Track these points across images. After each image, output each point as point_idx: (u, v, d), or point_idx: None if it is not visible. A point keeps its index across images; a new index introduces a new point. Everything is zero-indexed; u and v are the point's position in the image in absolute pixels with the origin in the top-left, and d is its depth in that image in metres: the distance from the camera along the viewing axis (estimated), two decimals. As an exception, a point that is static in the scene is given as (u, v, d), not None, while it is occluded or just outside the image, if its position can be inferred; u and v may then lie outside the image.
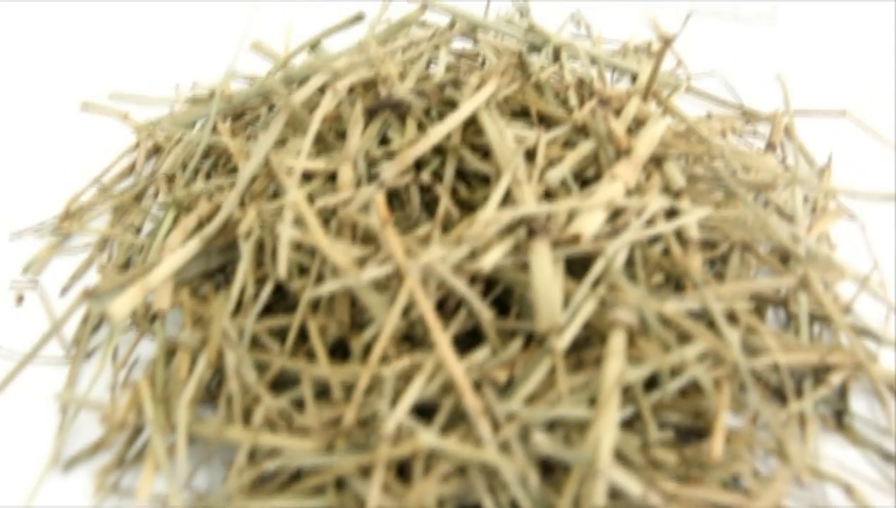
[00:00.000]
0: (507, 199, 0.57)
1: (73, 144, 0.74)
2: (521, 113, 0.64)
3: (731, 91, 0.69)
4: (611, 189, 0.56)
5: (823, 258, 0.60)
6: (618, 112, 0.62)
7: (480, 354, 0.53)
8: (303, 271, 0.57)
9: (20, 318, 0.64)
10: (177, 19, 0.90)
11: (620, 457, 0.52)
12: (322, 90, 0.63)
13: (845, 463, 0.56)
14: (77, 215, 0.69)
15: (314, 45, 0.70)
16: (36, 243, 0.69)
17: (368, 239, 0.57)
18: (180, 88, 0.80)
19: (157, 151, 0.74)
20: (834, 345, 0.59)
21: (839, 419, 0.58)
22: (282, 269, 0.53)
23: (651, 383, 0.55)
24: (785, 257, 0.61)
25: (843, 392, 0.59)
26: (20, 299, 0.66)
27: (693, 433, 0.55)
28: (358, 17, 0.68)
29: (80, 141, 0.75)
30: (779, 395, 0.57)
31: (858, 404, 0.59)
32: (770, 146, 0.67)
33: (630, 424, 0.54)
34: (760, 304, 0.60)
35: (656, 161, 0.60)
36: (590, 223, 0.54)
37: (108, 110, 0.78)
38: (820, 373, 0.58)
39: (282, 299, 0.60)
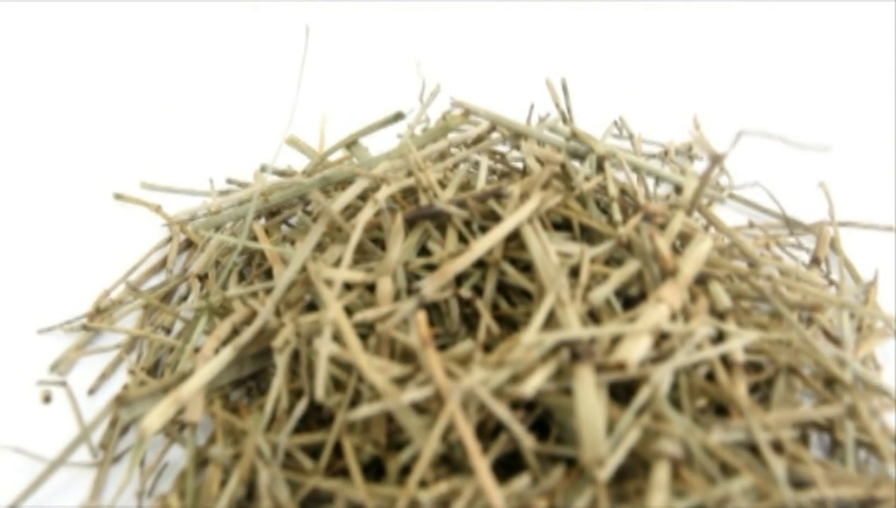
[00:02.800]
0: (550, 319, 0.55)
1: (104, 236, 0.73)
2: (563, 224, 0.63)
3: (772, 199, 0.67)
4: (656, 313, 0.55)
5: (871, 384, 0.59)
6: (662, 227, 0.61)
7: (521, 482, 0.52)
8: (338, 385, 0.56)
9: (47, 417, 0.63)
10: (212, 110, 0.90)
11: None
12: (362, 197, 0.62)
13: None
14: (106, 313, 0.68)
15: (352, 144, 0.69)
16: (64, 339, 0.68)
17: (407, 357, 0.56)
18: (214, 182, 0.79)
19: (189, 245, 0.73)
20: (881, 477, 0.57)
21: (884, 555, 0.57)
22: (319, 390, 0.52)
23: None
24: (831, 380, 0.59)
25: (889, 527, 0.57)
26: (48, 398, 0.65)
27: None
28: (398, 116, 0.68)
29: (112, 233, 0.74)
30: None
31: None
32: (815, 261, 0.66)
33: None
34: (805, 430, 0.59)
35: (701, 281, 0.59)
36: (635, 350, 0.53)
37: (140, 202, 0.78)
38: (867, 506, 0.56)
39: (315, 412, 0.59)
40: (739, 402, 0.54)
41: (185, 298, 0.69)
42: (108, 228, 0.76)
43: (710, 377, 0.57)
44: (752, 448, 0.55)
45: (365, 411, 0.52)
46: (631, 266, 0.58)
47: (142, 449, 0.59)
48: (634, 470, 0.53)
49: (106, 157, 0.87)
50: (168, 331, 0.66)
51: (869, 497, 0.55)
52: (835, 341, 0.61)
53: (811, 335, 0.58)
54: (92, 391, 0.64)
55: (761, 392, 0.60)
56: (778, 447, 0.55)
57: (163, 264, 0.72)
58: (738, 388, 0.55)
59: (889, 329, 0.65)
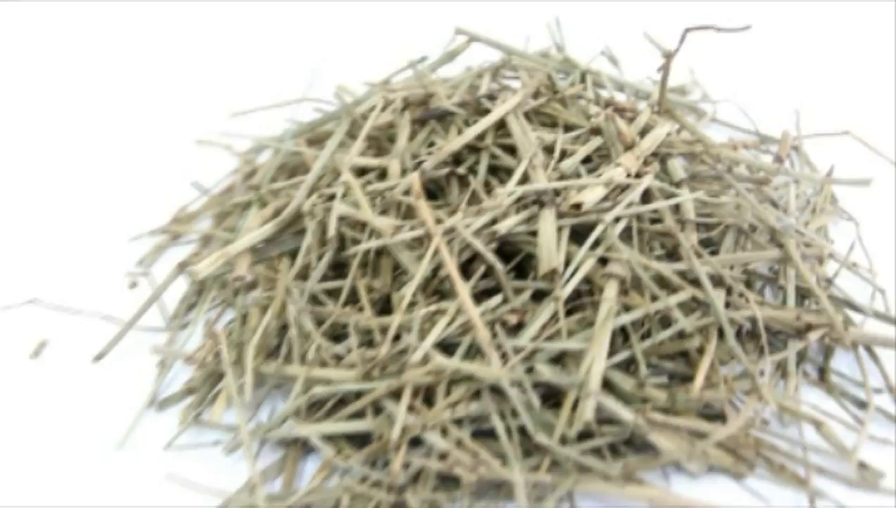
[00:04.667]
0: (525, 180, 0.67)
1: (186, 171, 0.88)
2: (549, 125, 0.75)
3: (745, 116, 0.78)
4: (613, 172, 0.66)
5: (808, 237, 0.68)
6: (631, 120, 0.72)
7: (494, 300, 0.63)
8: (354, 242, 0.69)
9: (134, 301, 0.77)
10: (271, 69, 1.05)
11: (616, 392, 0.61)
12: (383, 110, 0.76)
13: (820, 407, 0.63)
14: (184, 221, 0.83)
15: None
16: (150, 246, 0.83)
17: (409, 216, 0.68)
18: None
19: (253, 173, 0.88)
20: (812, 309, 0.67)
21: (822, 376, 0.66)
22: (332, 229, 0.65)
23: (646, 336, 0.63)
24: (779, 244, 0.69)
25: (827, 353, 0.66)
26: (133, 284, 0.79)
27: (684, 379, 0.64)
28: (422, 59, 0.81)
29: (192, 168, 0.89)
30: (762, 352, 0.65)
31: (843, 366, 0.67)
32: (777, 159, 0.75)
33: (627, 368, 0.63)
34: (751, 279, 0.69)
35: (661, 159, 0.70)
36: (591, 195, 0.64)
37: (217, 143, 0.93)
38: (802, 334, 0.65)
39: (340, 276, 0.71)
40: (684, 243, 0.65)
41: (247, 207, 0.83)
42: (190, 165, 0.91)
43: (665, 233, 0.67)
44: (696, 283, 0.65)
45: (369, 245, 0.65)
46: (596, 141, 0.69)
47: (205, 304, 0.73)
48: (591, 294, 0.64)
49: (189, 107, 1.04)
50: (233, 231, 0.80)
51: (800, 322, 0.65)
52: (780, 208, 0.71)
53: (757, 201, 0.68)
54: (172, 280, 0.78)
55: (710, 250, 0.69)
56: (720, 281, 0.65)
57: (230, 189, 0.87)
58: (688, 236, 0.66)
59: (838, 209, 0.75)
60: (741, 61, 1.00)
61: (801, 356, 0.66)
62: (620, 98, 0.78)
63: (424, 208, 0.65)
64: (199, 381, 0.69)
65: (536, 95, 0.74)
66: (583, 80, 0.77)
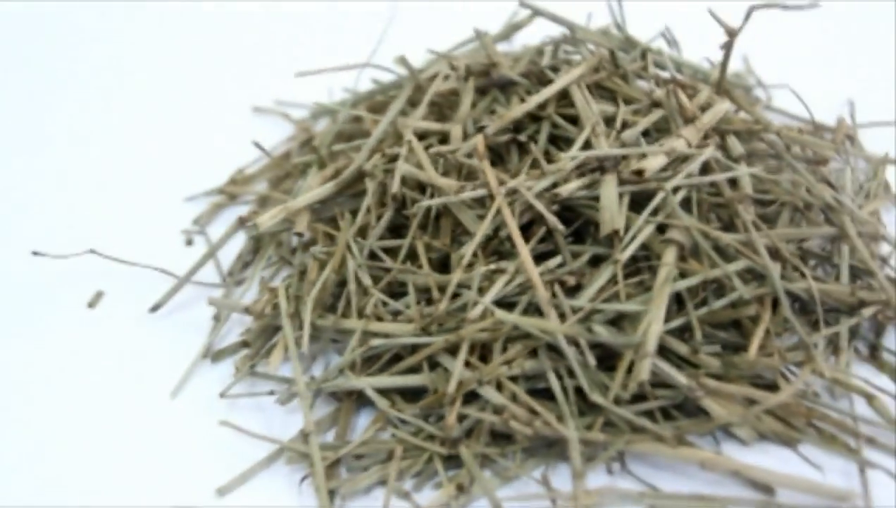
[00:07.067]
0: (588, 148, 0.68)
1: (246, 136, 0.89)
2: (610, 100, 0.76)
3: (802, 103, 0.78)
4: (674, 142, 0.67)
5: (863, 218, 0.69)
6: (691, 98, 0.73)
7: (554, 261, 0.64)
8: (414, 203, 0.70)
9: (191, 258, 0.78)
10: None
11: (670, 357, 0.62)
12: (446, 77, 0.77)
13: (872, 382, 0.64)
14: (241, 182, 0.85)
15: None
16: (207, 205, 0.84)
17: (470, 178, 0.69)
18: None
19: (311, 140, 0.89)
20: (867, 285, 0.67)
21: (873, 352, 0.66)
22: (395, 186, 0.66)
23: (702, 305, 0.64)
24: (834, 222, 0.70)
25: (878, 330, 0.67)
26: (189, 242, 0.80)
27: (738, 349, 0.64)
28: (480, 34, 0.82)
29: (250, 134, 0.90)
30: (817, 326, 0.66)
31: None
32: (834, 143, 0.76)
33: (682, 336, 0.63)
34: (805, 257, 0.69)
35: (720, 135, 0.71)
36: (653, 163, 0.65)
37: (273, 111, 0.94)
38: (855, 310, 0.66)
39: (399, 237, 0.71)
40: (743, 215, 0.65)
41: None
42: (247, 130, 0.92)
43: (722, 205, 0.68)
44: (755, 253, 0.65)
45: (431, 202, 0.66)
46: (657, 114, 0.70)
47: (263, 258, 0.74)
48: (648, 260, 0.65)
49: (245, 79, 1.05)
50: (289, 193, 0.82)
51: (855, 298, 0.65)
52: (836, 188, 0.71)
53: (814, 180, 0.69)
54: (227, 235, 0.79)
55: (766, 225, 0.70)
56: (776, 254, 0.66)
57: (287, 154, 0.88)
58: (745, 209, 0.66)
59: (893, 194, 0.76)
60: (797, 49, 1.01)
61: (854, 332, 0.67)
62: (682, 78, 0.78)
63: (488, 169, 0.66)
64: (255, 334, 0.70)
65: (598, 69, 0.75)
66: (643, 57, 0.78)
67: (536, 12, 0.78)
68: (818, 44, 1.03)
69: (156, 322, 0.73)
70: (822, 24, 0.97)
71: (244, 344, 0.70)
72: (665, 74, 0.77)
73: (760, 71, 0.95)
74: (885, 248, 0.73)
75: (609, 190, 0.64)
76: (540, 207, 0.64)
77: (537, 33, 0.85)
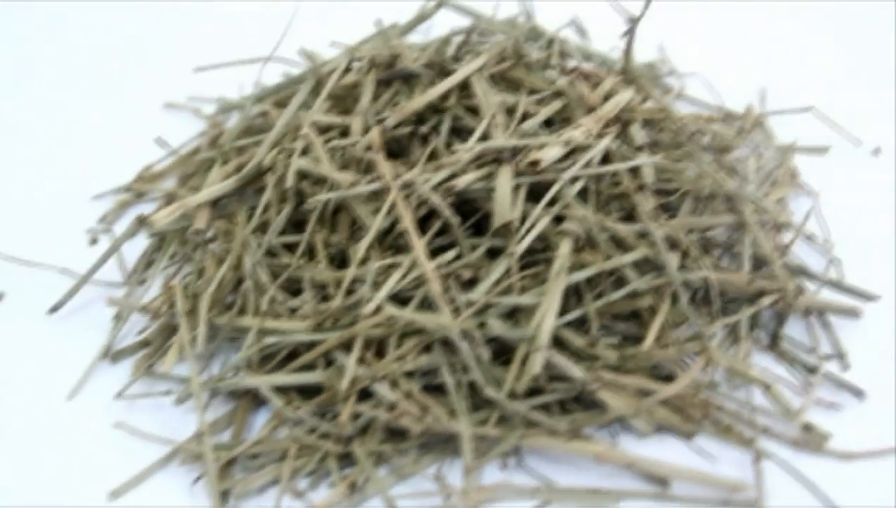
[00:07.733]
0: (486, 138, 0.67)
1: (154, 133, 0.88)
2: (514, 90, 0.75)
3: (711, 92, 0.78)
4: (573, 132, 0.66)
5: (764, 204, 0.69)
6: (595, 86, 0.72)
7: (449, 254, 0.63)
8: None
9: (95, 258, 0.76)
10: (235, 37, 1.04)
11: (567, 349, 0.61)
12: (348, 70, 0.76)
13: (770, 371, 0.63)
14: (148, 179, 0.83)
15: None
16: (114, 204, 0.83)
17: (369, 172, 0.68)
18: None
19: (220, 135, 0.87)
20: (766, 274, 0.67)
21: (774, 342, 0.66)
22: (290, 180, 0.65)
23: (599, 297, 0.63)
24: (735, 211, 0.69)
25: (780, 319, 0.67)
26: (94, 240, 0.79)
27: (636, 340, 0.64)
28: (392, 27, 0.82)
29: (162, 131, 0.88)
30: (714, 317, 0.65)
31: (796, 334, 0.67)
32: (741, 132, 0.76)
33: (579, 327, 0.63)
34: (708, 246, 0.69)
35: (623, 124, 0.70)
36: (548, 153, 0.64)
37: (185, 107, 0.93)
38: (754, 299, 0.66)
39: (300, 232, 0.70)
40: (641, 206, 0.65)
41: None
42: (158, 128, 0.91)
43: (624, 196, 0.68)
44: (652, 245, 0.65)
45: (327, 196, 0.65)
46: (558, 104, 0.69)
47: (164, 258, 0.73)
48: (545, 252, 0.64)
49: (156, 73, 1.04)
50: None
51: (753, 287, 0.65)
52: (740, 176, 0.71)
53: (717, 168, 0.69)
54: (131, 234, 0.78)
55: (668, 215, 0.69)
56: (675, 243, 0.65)
57: (196, 150, 0.87)
58: (645, 199, 0.66)
59: (798, 182, 0.76)
60: (709, 38, 1.01)
61: (754, 322, 0.67)
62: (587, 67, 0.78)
63: (382, 162, 0.65)
64: (155, 334, 0.69)
65: (502, 59, 0.74)
66: (549, 47, 0.77)
67: (442, 3, 0.77)
68: (735, 33, 1.03)
69: (56, 323, 0.72)
70: (739, 13, 0.97)
71: (144, 344, 0.69)
72: (572, 63, 0.76)
73: (678, 61, 0.94)
74: (790, 236, 0.72)
75: (503, 182, 0.63)
76: (435, 199, 0.63)
77: (456, 26, 0.85)
